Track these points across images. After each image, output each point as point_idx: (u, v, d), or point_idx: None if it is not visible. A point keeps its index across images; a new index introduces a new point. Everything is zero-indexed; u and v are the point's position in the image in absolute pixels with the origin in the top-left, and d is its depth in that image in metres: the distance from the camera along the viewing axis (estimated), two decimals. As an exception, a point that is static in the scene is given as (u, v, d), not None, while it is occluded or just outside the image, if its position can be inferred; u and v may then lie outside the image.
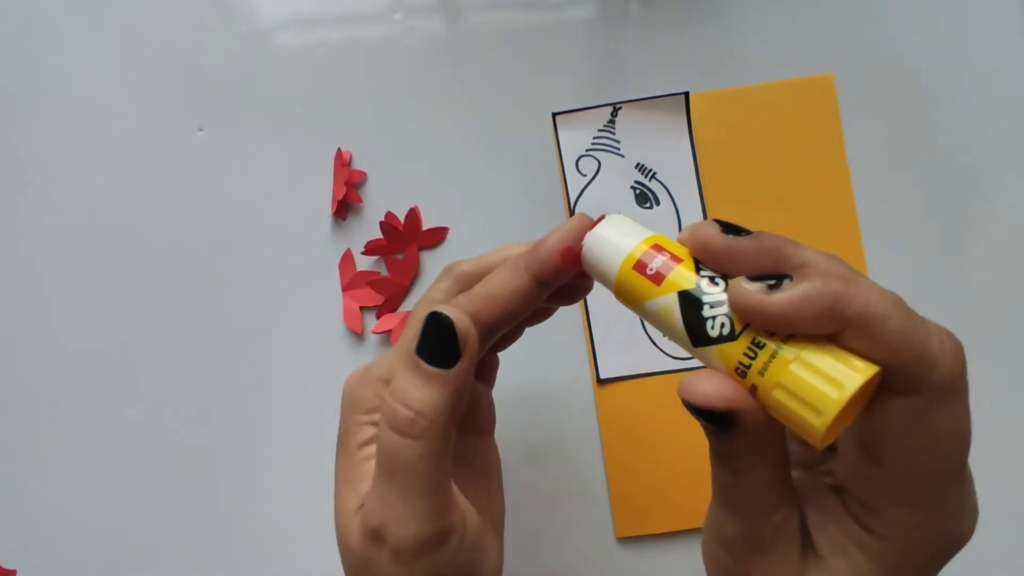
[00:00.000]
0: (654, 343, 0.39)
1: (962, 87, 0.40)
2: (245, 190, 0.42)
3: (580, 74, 0.41)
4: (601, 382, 0.39)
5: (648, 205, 0.40)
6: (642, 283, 0.24)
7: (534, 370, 0.40)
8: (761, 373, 0.21)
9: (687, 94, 0.40)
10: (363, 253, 0.41)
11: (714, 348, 0.22)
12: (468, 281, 0.30)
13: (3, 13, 0.44)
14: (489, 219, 0.41)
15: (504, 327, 0.28)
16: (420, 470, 0.25)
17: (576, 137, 0.41)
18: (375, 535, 0.26)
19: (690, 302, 0.22)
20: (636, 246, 0.24)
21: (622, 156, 0.41)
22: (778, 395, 0.21)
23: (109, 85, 0.43)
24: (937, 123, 0.40)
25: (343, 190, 0.41)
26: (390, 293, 0.41)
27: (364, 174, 0.42)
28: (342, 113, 0.42)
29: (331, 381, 0.40)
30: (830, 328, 0.20)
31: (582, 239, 0.26)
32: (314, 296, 0.41)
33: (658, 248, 0.24)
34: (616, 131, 0.41)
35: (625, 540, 0.39)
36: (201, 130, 0.42)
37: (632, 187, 0.40)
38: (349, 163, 0.42)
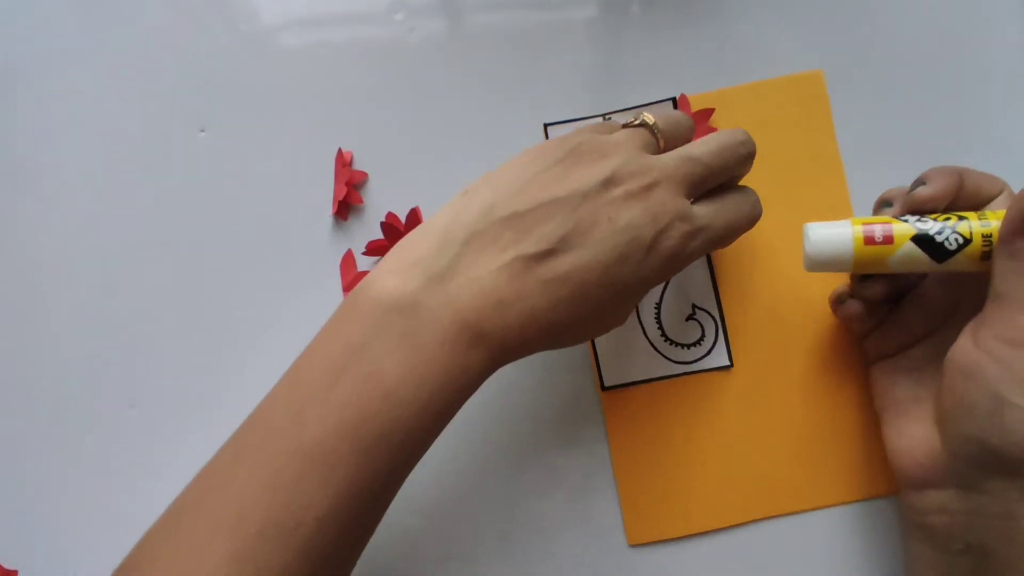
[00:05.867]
0: (656, 349, 0.39)
1: (954, 82, 0.40)
2: (246, 191, 0.42)
3: (582, 74, 0.41)
4: (605, 389, 0.39)
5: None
6: (877, 249, 0.32)
7: (537, 380, 0.39)
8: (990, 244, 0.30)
9: (675, 99, 0.40)
10: (364, 253, 0.41)
11: (959, 255, 0.31)
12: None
13: (3, 13, 0.43)
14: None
15: None
16: None
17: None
18: None
19: (923, 239, 0.31)
20: (853, 229, 0.32)
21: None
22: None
23: (110, 85, 0.43)
24: (931, 119, 0.40)
25: (344, 190, 0.41)
26: (391, 293, 0.41)
27: (365, 174, 0.42)
28: (343, 113, 0.42)
29: (333, 381, 0.40)
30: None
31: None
32: (315, 297, 0.41)
33: (865, 223, 0.32)
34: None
35: (638, 547, 0.38)
36: (202, 131, 0.42)
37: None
38: (350, 163, 0.42)
